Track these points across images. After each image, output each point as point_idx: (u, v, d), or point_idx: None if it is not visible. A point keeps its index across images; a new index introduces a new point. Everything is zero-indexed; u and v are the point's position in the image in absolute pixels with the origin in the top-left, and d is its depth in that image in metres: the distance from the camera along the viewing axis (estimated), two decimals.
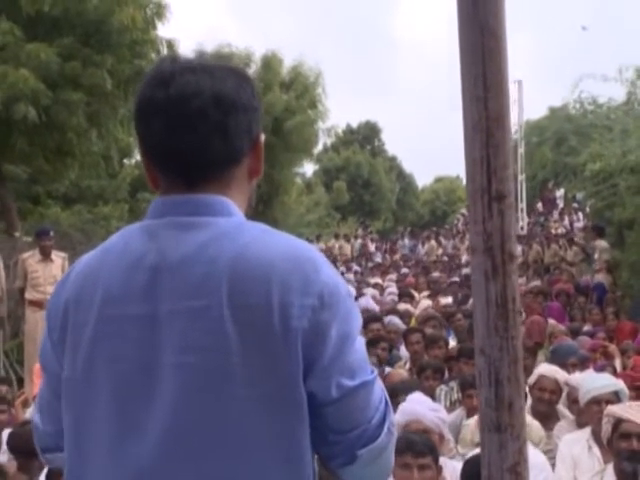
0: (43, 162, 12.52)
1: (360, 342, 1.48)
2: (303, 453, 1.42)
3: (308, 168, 36.21)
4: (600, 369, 6.43)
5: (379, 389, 1.50)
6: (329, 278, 1.44)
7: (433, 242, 26.05)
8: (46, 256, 8.73)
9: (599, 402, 4.67)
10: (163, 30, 13.38)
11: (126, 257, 1.48)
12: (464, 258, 23.18)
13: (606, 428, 4.20)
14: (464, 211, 35.33)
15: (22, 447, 4.27)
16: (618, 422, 4.10)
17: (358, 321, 1.49)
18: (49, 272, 8.66)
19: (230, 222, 1.48)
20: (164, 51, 13.16)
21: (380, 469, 1.55)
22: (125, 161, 19.49)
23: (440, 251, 25.55)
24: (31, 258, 8.78)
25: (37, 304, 8.47)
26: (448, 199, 44.40)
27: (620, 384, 4.82)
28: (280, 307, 1.37)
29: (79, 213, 13.95)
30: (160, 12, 12.85)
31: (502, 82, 1.18)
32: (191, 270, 1.41)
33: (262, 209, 22.86)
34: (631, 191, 14.90)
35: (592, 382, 4.89)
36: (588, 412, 4.79)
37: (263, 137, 1.60)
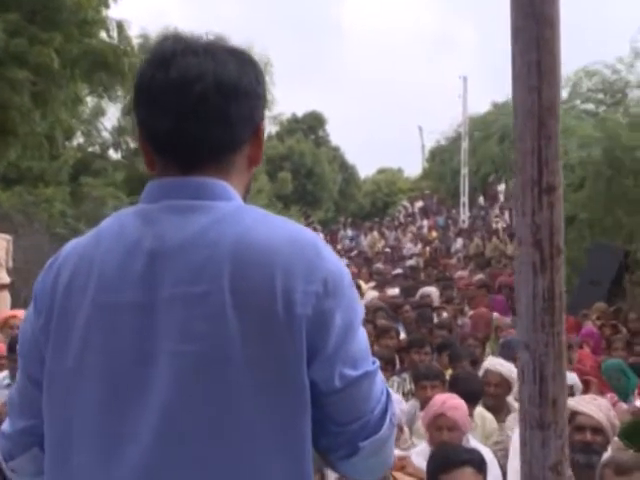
0: None
1: (362, 332, 1.44)
2: (305, 443, 1.38)
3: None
4: None
5: (380, 380, 1.47)
6: (333, 265, 1.40)
7: (375, 233, 26.23)
8: None
9: None
10: (114, 10, 13.10)
11: (122, 242, 1.41)
12: (407, 249, 23.39)
13: None
14: (405, 203, 35.71)
15: None
16: (572, 415, 4.16)
17: (361, 310, 1.45)
18: None
19: (230, 206, 1.43)
20: (114, 32, 12.89)
21: (381, 461, 1.52)
22: (67, 143, 19.04)
23: (382, 242, 25.73)
24: None
25: None
26: (389, 191, 44.57)
27: (574, 378, 4.90)
28: (283, 293, 1.33)
29: (19, 195, 13.59)
30: None
31: (556, 71, 1.17)
32: (191, 255, 1.36)
33: None
34: (571, 188, 15.23)
35: None
36: None
37: (265, 124, 1.55)
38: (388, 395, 1.49)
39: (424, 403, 5.34)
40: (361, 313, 1.45)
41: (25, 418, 1.53)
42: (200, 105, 1.41)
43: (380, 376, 1.48)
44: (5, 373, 5.79)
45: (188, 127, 1.42)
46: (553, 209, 1.17)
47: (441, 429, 4.28)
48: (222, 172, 1.47)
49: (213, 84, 1.42)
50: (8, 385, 5.54)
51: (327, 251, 1.42)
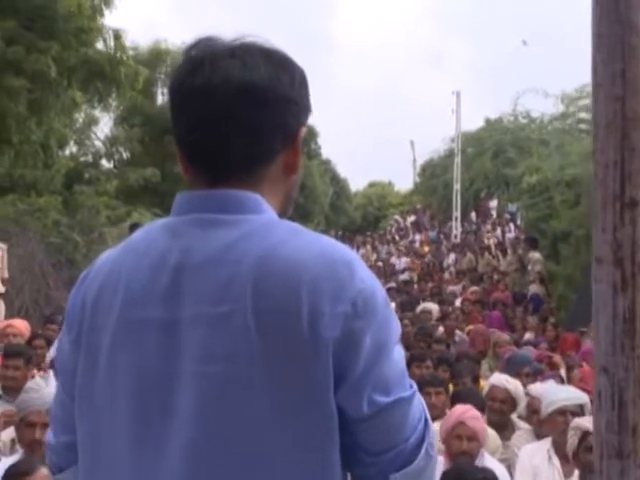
0: None
1: (398, 354, 1.35)
2: (333, 473, 1.30)
3: None
4: (548, 379, 6.50)
5: (418, 406, 1.38)
6: (364, 283, 1.31)
7: (369, 247, 26.23)
8: None
9: (564, 413, 4.68)
10: (110, 19, 13.05)
11: (149, 256, 1.36)
12: (399, 264, 23.37)
13: (572, 441, 4.21)
14: (397, 217, 35.70)
15: None
16: (585, 435, 4.11)
17: (396, 331, 1.36)
18: None
19: (260, 220, 1.36)
20: (110, 41, 12.83)
21: None
22: (60, 152, 18.93)
23: (374, 256, 25.71)
24: None
25: None
26: (380, 204, 44.64)
27: (585, 397, 4.84)
28: (309, 314, 1.25)
29: (12, 203, 13.48)
30: (107, 1, 12.49)
31: None
32: (215, 272, 1.30)
33: None
34: (567, 204, 15.27)
35: (557, 393, 4.91)
36: (551, 423, 4.80)
37: (304, 131, 1.46)
38: (426, 423, 1.39)
39: (429, 409, 5.28)
40: (397, 334, 1.36)
41: (67, 433, 1.48)
42: (225, 114, 1.35)
43: (418, 401, 1.38)
44: None
45: (213, 138, 1.37)
46: (636, 225, 1.10)
47: (461, 438, 4.23)
48: (252, 184, 1.39)
49: (239, 91, 1.35)
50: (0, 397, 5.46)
51: (360, 268, 1.33)
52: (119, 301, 1.35)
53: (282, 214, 1.47)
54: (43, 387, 4.24)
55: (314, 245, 1.33)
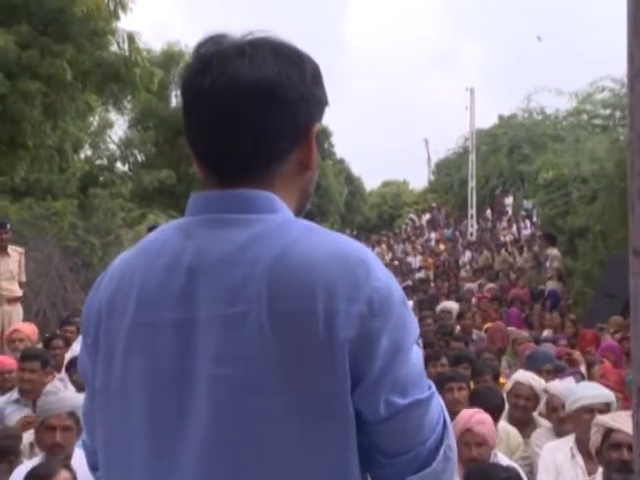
0: None
1: (416, 355, 1.32)
2: (351, 475, 1.28)
3: None
4: (568, 376, 6.45)
5: (437, 408, 1.35)
6: (380, 282, 1.28)
7: (384, 246, 26.15)
8: (2, 250, 8.39)
9: (591, 411, 4.61)
10: (123, 22, 13.07)
11: (162, 258, 1.35)
12: (415, 262, 23.31)
13: (595, 438, 4.16)
14: (412, 216, 35.59)
15: None
16: (608, 432, 4.06)
17: (413, 331, 1.33)
18: (5, 267, 8.32)
19: (274, 219, 1.33)
20: (124, 44, 12.85)
21: None
22: (75, 156, 19.00)
23: (390, 255, 25.65)
24: None
25: None
26: (395, 203, 44.51)
27: (611, 395, 4.78)
28: (325, 315, 1.22)
29: (29, 207, 13.54)
30: (123, 2, 12.52)
31: None
32: (229, 272, 1.27)
33: None
34: (584, 200, 15.18)
35: (583, 390, 4.85)
36: (576, 420, 4.74)
37: (317, 127, 1.43)
38: (445, 425, 1.36)
39: (451, 405, 5.23)
40: (415, 334, 1.33)
41: (92, 436, 1.48)
42: (233, 114, 1.33)
43: (437, 403, 1.35)
44: (15, 388, 5.71)
45: (221, 138, 1.35)
46: None
47: (469, 445, 4.18)
48: (265, 183, 1.37)
49: (247, 90, 1.32)
50: (17, 400, 5.47)
51: (376, 267, 1.30)
52: (133, 303, 1.34)
53: (299, 211, 1.46)
54: (62, 390, 4.23)
55: (329, 244, 1.30)
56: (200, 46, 1.41)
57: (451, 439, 1.37)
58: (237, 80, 1.32)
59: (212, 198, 1.38)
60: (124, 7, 12.47)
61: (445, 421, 1.37)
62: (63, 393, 4.16)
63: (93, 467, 1.52)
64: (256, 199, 1.35)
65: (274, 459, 1.24)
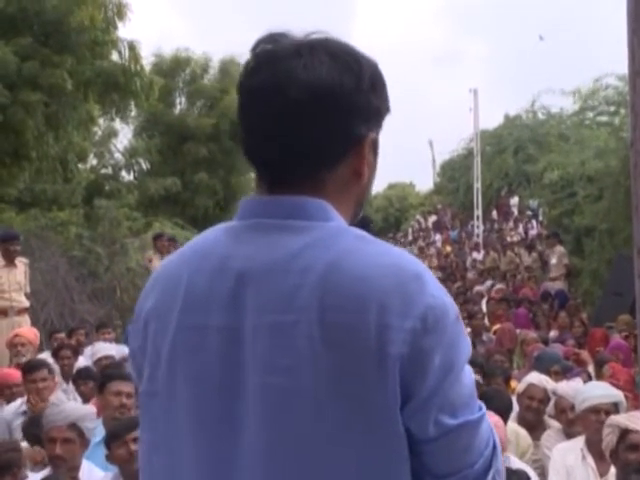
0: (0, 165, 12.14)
1: (468, 375, 1.29)
2: None
3: None
4: (575, 376, 6.42)
5: (486, 431, 1.32)
6: (434, 298, 1.25)
7: None
8: (10, 261, 8.39)
9: (598, 411, 4.60)
10: (124, 31, 13.09)
11: (210, 261, 1.32)
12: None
13: (610, 439, 4.11)
14: (419, 218, 35.54)
15: None
16: (624, 433, 4.02)
17: (466, 350, 1.29)
18: (13, 278, 8.32)
19: (327, 227, 1.30)
20: (125, 53, 12.87)
21: None
22: (80, 165, 19.05)
23: None
24: None
25: (1, 312, 8.15)
26: (401, 206, 44.44)
27: (620, 395, 4.74)
28: (377, 329, 1.20)
29: (35, 218, 13.56)
30: (121, 12, 12.53)
31: None
32: (280, 280, 1.25)
33: (219, 214, 22.57)
34: (590, 199, 15.15)
35: (591, 391, 4.82)
36: (585, 421, 4.71)
37: (373, 135, 1.38)
38: (494, 448, 1.33)
39: None
40: (467, 353, 1.30)
41: None
42: (287, 118, 1.29)
43: (487, 425, 1.32)
44: (21, 400, 5.71)
45: (270, 142, 1.31)
46: None
47: None
48: (317, 190, 1.33)
49: (300, 94, 1.28)
50: (24, 412, 5.46)
51: (431, 282, 1.27)
52: (179, 306, 1.32)
53: (352, 220, 1.42)
54: (64, 401, 4.23)
55: (383, 256, 1.27)
56: (257, 45, 1.37)
57: (500, 463, 1.34)
58: (291, 82, 1.29)
59: (263, 203, 1.35)
60: (122, 16, 12.48)
61: (495, 445, 1.34)
62: (65, 405, 4.16)
63: None
64: (309, 206, 1.32)
65: (325, 469, 1.22)
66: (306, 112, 1.29)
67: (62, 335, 8.95)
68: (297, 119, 1.29)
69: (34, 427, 4.52)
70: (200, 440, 1.28)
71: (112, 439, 3.94)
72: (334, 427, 1.21)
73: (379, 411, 1.21)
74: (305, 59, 1.31)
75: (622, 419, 4.11)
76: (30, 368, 5.80)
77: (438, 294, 1.26)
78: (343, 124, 1.33)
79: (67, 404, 4.20)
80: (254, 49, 1.37)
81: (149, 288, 1.42)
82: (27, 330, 7.66)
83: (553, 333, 10.69)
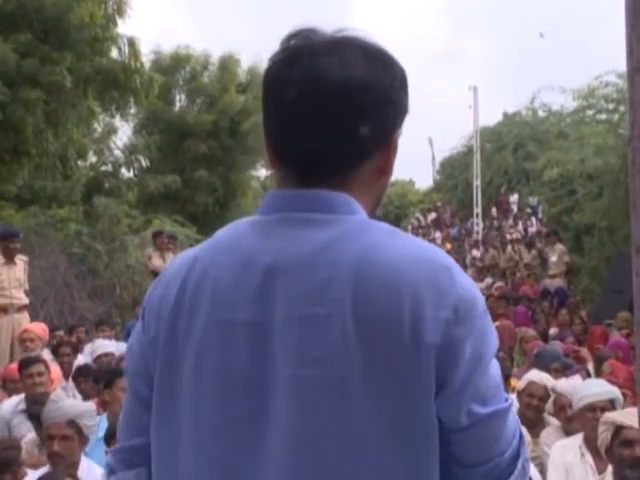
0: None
1: (495, 365, 1.31)
2: None
3: (265, 171, 36.14)
4: (573, 373, 6.42)
5: (513, 421, 1.34)
6: (465, 289, 1.27)
7: None
8: (10, 259, 8.39)
9: (594, 409, 4.60)
10: (124, 27, 13.08)
11: (237, 256, 1.31)
12: None
13: (605, 436, 4.13)
14: (418, 215, 35.54)
15: None
16: (618, 429, 4.03)
17: (494, 342, 1.31)
18: (13, 275, 8.33)
19: (353, 220, 1.31)
20: (125, 49, 12.86)
21: None
22: (79, 163, 19.02)
23: None
24: None
25: (1, 309, 8.15)
26: (400, 203, 44.39)
27: (616, 391, 4.75)
28: (412, 320, 1.21)
29: (34, 215, 13.56)
30: (121, 8, 12.52)
31: None
32: (311, 273, 1.25)
33: (218, 211, 22.57)
34: (589, 197, 15.13)
35: (587, 388, 4.82)
36: (582, 419, 4.72)
37: (400, 133, 1.41)
38: (521, 438, 1.35)
39: None
40: (495, 344, 1.32)
41: (131, 436, 1.45)
42: (322, 113, 1.30)
43: (512, 416, 1.34)
44: (19, 397, 5.70)
45: (307, 136, 1.32)
46: None
47: None
48: (343, 184, 1.34)
49: (337, 90, 1.29)
50: (23, 410, 5.44)
51: (460, 274, 1.29)
52: (207, 301, 1.30)
53: (370, 216, 1.42)
54: (63, 398, 4.23)
55: (412, 249, 1.29)
56: (289, 38, 1.37)
57: (526, 452, 1.36)
58: (329, 78, 1.29)
59: (291, 197, 1.34)
60: (121, 13, 12.46)
61: (521, 435, 1.36)
62: (64, 402, 4.16)
63: (112, 470, 1.47)
64: (336, 200, 1.33)
65: (358, 461, 1.22)
66: (344, 109, 1.30)
67: (61, 333, 8.95)
68: (335, 116, 1.30)
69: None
70: (228, 435, 1.27)
71: (113, 436, 3.94)
72: (367, 419, 1.21)
73: (414, 402, 1.22)
74: (341, 56, 1.31)
75: (616, 415, 4.13)
76: (26, 363, 5.78)
77: (467, 286, 1.28)
78: (377, 121, 1.34)
79: (66, 401, 4.19)
80: (287, 42, 1.36)
81: (166, 281, 1.39)
82: (36, 325, 7.67)
83: (553, 330, 10.69)
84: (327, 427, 1.22)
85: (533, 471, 4.31)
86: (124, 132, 23.81)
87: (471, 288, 1.29)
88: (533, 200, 24.97)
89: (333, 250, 1.26)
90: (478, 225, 27.61)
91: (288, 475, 1.23)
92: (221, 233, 1.39)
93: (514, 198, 28.17)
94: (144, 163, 23.92)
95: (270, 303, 1.26)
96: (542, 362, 6.39)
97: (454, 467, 1.30)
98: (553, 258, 14.82)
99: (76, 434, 4.04)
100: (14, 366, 6.37)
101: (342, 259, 1.24)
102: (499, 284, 15.28)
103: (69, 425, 4.03)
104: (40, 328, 7.54)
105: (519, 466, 1.31)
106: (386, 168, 1.41)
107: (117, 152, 23.75)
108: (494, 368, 1.31)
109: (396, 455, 1.23)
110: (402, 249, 1.27)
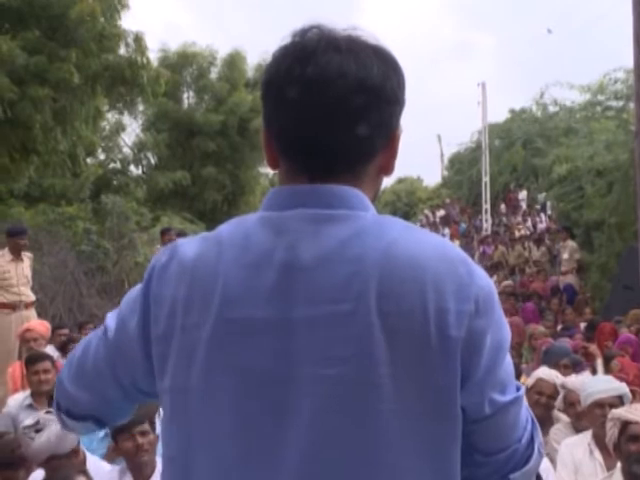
0: (7, 160, 12.11)
1: (508, 354, 1.34)
2: (456, 475, 1.28)
3: None
4: (584, 371, 6.39)
5: (525, 406, 1.38)
6: (482, 282, 1.28)
7: None
8: (17, 256, 8.40)
9: (602, 405, 4.57)
10: (128, 23, 13.12)
11: (249, 253, 1.28)
12: None
13: (612, 432, 4.10)
14: (427, 212, 35.49)
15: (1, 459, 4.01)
16: (625, 425, 4.01)
17: (508, 331, 1.33)
18: (21, 272, 8.33)
19: (369, 217, 1.31)
20: (132, 44, 12.87)
21: None
22: (88, 160, 19.06)
23: None
24: (1, 258, 8.36)
25: (9, 306, 8.17)
26: (409, 200, 44.34)
27: (624, 387, 4.72)
28: (436, 314, 1.22)
29: (43, 212, 13.61)
30: (122, 3, 12.53)
31: None
32: (331, 270, 1.23)
33: (227, 208, 22.62)
34: (599, 193, 15.07)
35: (595, 385, 4.79)
36: (590, 415, 4.69)
37: (401, 132, 1.42)
38: (534, 423, 1.39)
39: None
40: (509, 334, 1.33)
41: (90, 394, 1.49)
42: (339, 110, 1.29)
43: (525, 403, 1.38)
44: (25, 393, 5.71)
45: (323, 133, 1.30)
46: None
47: None
48: (353, 181, 1.34)
49: (355, 88, 1.29)
50: (29, 405, 5.45)
51: (476, 267, 1.31)
52: (218, 298, 1.27)
53: None
54: None
55: (430, 243, 1.30)
56: (299, 34, 1.35)
57: (541, 437, 1.40)
58: (345, 75, 1.29)
59: (305, 193, 1.32)
60: (122, 5, 12.47)
61: (533, 419, 1.40)
62: None
63: (68, 411, 1.53)
64: (349, 196, 1.32)
65: (384, 458, 1.22)
66: (359, 107, 1.30)
67: (66, 331, 8.95)
68: (350, 113, 1.30)
69: None
70: (246, 435, 1.25)
71: (120, 431, 3.94)
72: (392, 415, 1.21)
73: (442, 394, 1.23)
74: (355, 55, 1.31)
75: (622, 411, 4.11)
76: (33, 360, 5.78)
77: (484, 278, 1.30)
78: (387, 118, 1.35)
79: None
80: (300, 36, 1.35)
81: (175, 275, 1.34)
82: (38, 324, 7.64)
83: (558, 328, 10.67)
84: (350, 425, 1.21)
85: (547, 464, 4.30)
86: (133, 129, 23.90)
87: (487, 280, 1.31)
88: (542, 197, 24.92)
89: (354, 246, 1.25)
90: (487, 222, 27.55)
91: (309, 472, 1.21)
92: (225, 229, 1.36)
93: (523, 194, 28.10)
94: (152, 160, 23.99)
95: (289, 300, 1.24)
96: (551, 358, 6.36)
97: (475, 455, 1.33)
98: (565, 255, 14.76)
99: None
100: (21, 364, 6.39)
101: (364, 255, 1.24)
102: (507, 282, 15.22)
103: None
104: (43, 326, 7.52)
105: (536, 450, 1.36)
106: (388, 166, 1.41)
107: (126, 149, 23.85)
108: (508, 357, 1.33)
109: (422, 451, 1.23)
110: (422, 243, 1.28)
